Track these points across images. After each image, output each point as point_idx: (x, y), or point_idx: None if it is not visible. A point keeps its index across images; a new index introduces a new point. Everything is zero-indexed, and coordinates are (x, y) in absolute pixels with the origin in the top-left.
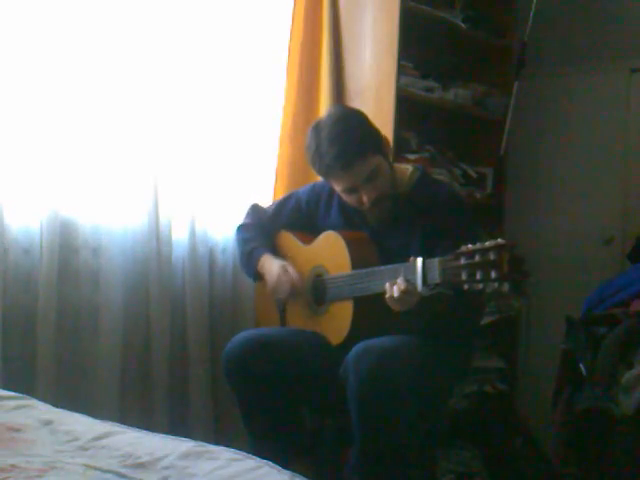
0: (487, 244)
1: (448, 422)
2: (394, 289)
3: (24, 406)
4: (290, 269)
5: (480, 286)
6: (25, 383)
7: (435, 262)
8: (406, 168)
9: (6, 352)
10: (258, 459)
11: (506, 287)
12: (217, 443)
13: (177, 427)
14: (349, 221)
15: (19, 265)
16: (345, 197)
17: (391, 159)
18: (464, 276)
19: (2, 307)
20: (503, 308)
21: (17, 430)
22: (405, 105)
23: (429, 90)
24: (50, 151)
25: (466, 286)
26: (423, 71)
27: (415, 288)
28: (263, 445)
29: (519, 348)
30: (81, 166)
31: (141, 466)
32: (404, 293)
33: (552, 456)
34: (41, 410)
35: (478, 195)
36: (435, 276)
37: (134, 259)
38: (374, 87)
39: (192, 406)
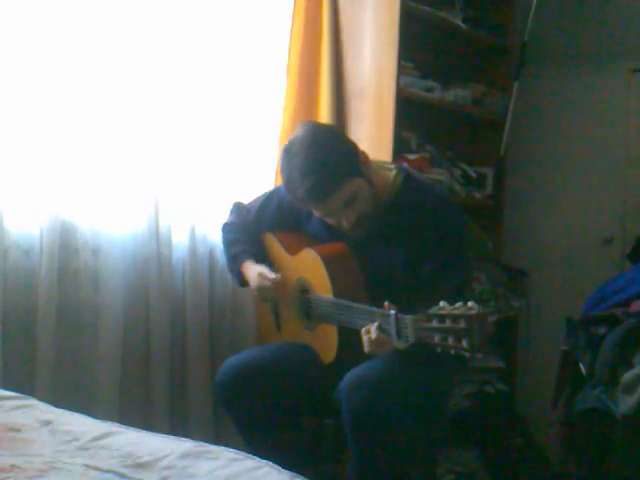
0: (458, 309)
1: (448, 424)
2: (366, 339)
3: (24, 406)
4: (267, 273)
5: (452, 351)
6: (25, 383)
7: (408, 321)
8: (388, 170)
9: (6, 352)
10: (258, 459)
11: (479, 355)
12: (217, 443)
13: (177, 427)
14: (331, 232)
15: (19, 266)
16: (325, 218)
17: (370, 173)
18: (437, 339)
19: (2, 307)
20: (503, 308)
21: (17, 430)
22: (405, 105)
23: (429, 90)
24: (52, 157)
25: (439, 349)
26: (423, 71)
27: (388, 338)
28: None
29: (519, 348)
30: (82, 172)
31: (141, 466)
32: (378, 342)
33: (552, 456)
34: (41, 410)
35: (478, 195)
36: (408, 335)
37: (134, 261)
38: (374, 87)
39: (192, 406)
